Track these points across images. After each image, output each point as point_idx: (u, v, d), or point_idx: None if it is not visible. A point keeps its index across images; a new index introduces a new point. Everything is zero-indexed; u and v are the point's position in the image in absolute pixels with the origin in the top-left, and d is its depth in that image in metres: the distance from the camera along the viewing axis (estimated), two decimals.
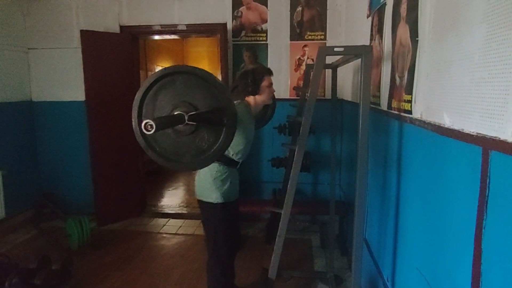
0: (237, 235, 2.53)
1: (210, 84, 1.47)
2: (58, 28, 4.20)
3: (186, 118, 1.40)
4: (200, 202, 2.29)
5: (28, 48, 4.25)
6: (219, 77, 4.00)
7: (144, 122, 1.22)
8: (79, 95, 4.09)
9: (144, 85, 1.50)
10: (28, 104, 4.29)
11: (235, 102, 2.14)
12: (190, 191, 5.53)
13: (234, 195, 2.31)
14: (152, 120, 1.23)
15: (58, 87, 4.28)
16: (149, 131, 1.22)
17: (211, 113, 1.45)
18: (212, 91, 1.46)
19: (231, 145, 1.65)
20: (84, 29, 3.95)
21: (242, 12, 4.02)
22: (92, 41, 3.88)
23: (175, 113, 1.42)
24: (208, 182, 2.20)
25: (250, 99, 2.26)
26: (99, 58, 3.92)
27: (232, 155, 2.15)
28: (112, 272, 3.09)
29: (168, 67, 1.50)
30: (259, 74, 2.21)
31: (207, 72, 1.50)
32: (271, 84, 2.28)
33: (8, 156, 3.93)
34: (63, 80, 4.26)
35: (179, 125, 1.46)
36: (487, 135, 0.93)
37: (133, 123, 1.55)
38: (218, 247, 2.28)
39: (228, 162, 2.16)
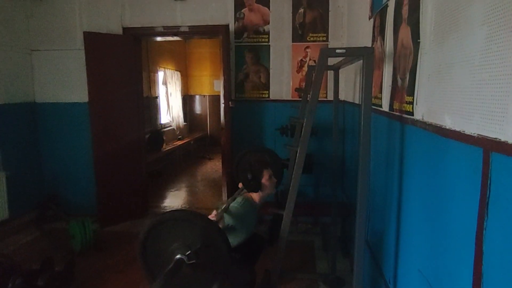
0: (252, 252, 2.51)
1: (205, 228, 1.57)
2: (61, 30, 4.22)
3: (185, 260, 1.48)
4: None
5: (32, 50, 4.28)
6: (222, 78, 4.01)
7: None
8: (82, 96, 4.11)
9: (139, 239, 1.59)
10: (32, 105, 4.31)
11: (239, 197, 2.27)
12: (192, 192, 5.54)
13: None
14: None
15: (61, 89, 4.30)
16: None
17: (209, 255, 1.55)
18: (208, 234, 1.56)
19: (232, 242, 1.77)
20: (87, 31, 3.97)
21: (244, 14, 4.03)
22: (95, 43, 3.90)
23: (176, 257, 1.49)
24: None
25: (254, 195, 2.35)
26: (102, 59, 3.94)
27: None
28: (115, 274, 3.09)
29: (154, 218, 1.60)
30: (257, 172, 2.30)
31: (187, 212, 1.63)
32: (270, 176, 2.35)
33: (11, 158, 3.95)
34: (66, 82, 4.28)
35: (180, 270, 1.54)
36: (488, 137, 0.93)
37: (140, 265, 1.64)
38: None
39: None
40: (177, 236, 1.53)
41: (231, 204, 2.18)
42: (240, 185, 2.40)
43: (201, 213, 1.71)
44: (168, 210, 1.79)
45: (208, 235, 1.54)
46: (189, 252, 1.48)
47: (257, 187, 2.30)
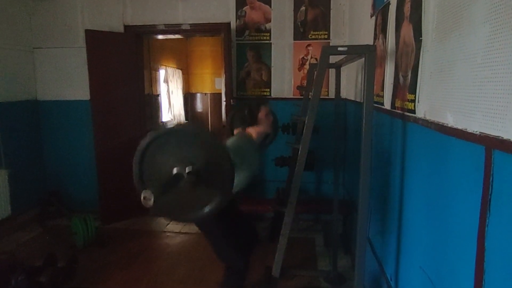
0: (248, 238, 2.47)
1: (207, 141, 1.49)
2: (63, 28, 4.23)
3: (185, 175, 1.39)
4: None
5: (34, 48, 4.29)
6: (223, 76, 4.01)
7: (142, 195, 1.21)
8: (84, 94, 4.12)
9: (142, 143, 1.50)
10: (34, 103, 4.32)
11: (237, 133, 2.19)
12: None
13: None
14: (149, 191, 1.22)
15: (63, 86, 4.31)
16: (148, 203, 1.22)
17: (210, 169, 1.45)
18: (209, 148, 1.48)
19: (236, 183, 1.63)
20: (89, 28, 3.98)
21: (246, 12, 4.02)
22: (96, 41, 3.90)
23: (174, 171, 1.41)
24: None
25: (251, 130, 2.26)
26: (103, 57, 3.95)
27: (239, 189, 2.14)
28: (117, 270, 3.11)
29: (158, 130, 1.51)
30: (254, 106, 2.26)
31: (197, 127, 1.52)
32: (268, 113, 2.31)
33: (13, 155, 3.97)
34: (68, 79, 4.29)
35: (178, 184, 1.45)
36: (490, 135, 0.93)
37: (134, 176, 1.54)
38: (227, 257, 2.27)
39: None
40: (179, 150, 1.45)
41: (228, 141, 2.08)
42: (235, 131, 2.32)
43: (209, 131, 1.61)
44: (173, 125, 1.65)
45: (213, 154, 1.46)
46: (190, 168, 1.39)
47: (253, 120, 2.25)
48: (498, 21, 0.91)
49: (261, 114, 2.26)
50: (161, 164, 1.45)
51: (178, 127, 1.57)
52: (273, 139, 2.93)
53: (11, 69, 3.99)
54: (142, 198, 1.21)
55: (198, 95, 9.02)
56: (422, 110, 1.47)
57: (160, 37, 4.95)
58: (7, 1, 3.93)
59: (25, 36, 4.19)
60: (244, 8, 4.02)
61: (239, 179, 1.99)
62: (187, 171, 1.39)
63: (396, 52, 1.87)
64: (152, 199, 1.21)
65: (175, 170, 1.40)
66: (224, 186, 1.48)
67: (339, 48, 1.81)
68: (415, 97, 1.55)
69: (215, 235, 2.21)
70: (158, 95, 6.96)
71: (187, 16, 4.10)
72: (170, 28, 4.17)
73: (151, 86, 6.56)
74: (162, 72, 7.18)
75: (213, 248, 2.30)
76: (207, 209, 1.48)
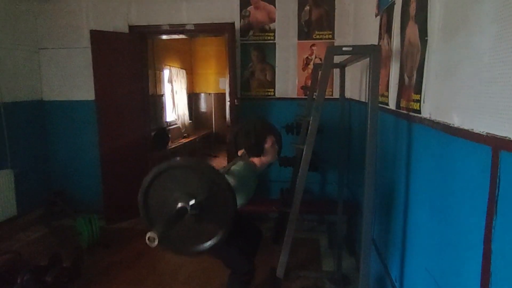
0: (253, 241, 2.50)
1: (212, 178, 1.50)
2: (68, 28, 4.25)
3: (188, 210, 1.42)
4: None
5: (39, 48, 4.31)
6: (227, 76, 4.01)
7: (146, 236, 1.23)
8: (89, 94, 4.13)
9: (145, 181, 1.54)
10: (39, 103, 4.35)
11: (241, 161, 2.21)
12: None
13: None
14: (154, 232, 1.24)
15: (68, 87, 4.33)
16: (153, 243, 1.24)
17: (213, 204, 1.48)
18: (213, 185, 1.50)
19: None
20: (94, 29, 4.00)
21: (250, 12, 4.02)
22: (101, 41, 3.92)
23: (178, 205, 1.43)
24: None
25: (256, 160, 2.30)
26: (108, 57, 3.97)
27: None
28: (121, 270, 3.12)
29: (160, 165, 1.53)
30: (261, 136, 2.26)
31: (209, 165, 1.55)
32: (274, 143, 2.32)
33: (19, 155, 4.00)
34: (73, 80, 4.31)
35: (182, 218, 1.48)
36: (497, 135, 0.92)
37: (141, 212, 1.57)
38: (233, 259, 2.26)
39: None
40: (181, 184, 1.48)
41: (232, 167, 2.14)
42: (240, 152, 2.35)
43: (209, 163, 1.62)
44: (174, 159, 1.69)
45: (215, 186, 1.48)
46: (193, 202, 1.42)
47: (259, 152, 2.26)
48: (505, 21, 0.90)
49: (267, 145, 2.28)
50: (164, 199, 1.49)
51: (179, 162, 1.61)
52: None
53: (17, 69, 4.02)
54: (146, 239, 1.25)
55: (202, 95, 9.04)
56: (428, 110, 1.46)
57: (164, 37, 4.97)
58: (12, 2, 3.96)
59: (30, 37, 4.21)
60: (248, 8, 4.02)
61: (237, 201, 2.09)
62: (190, 204, 1.42)
63: (401, 52, 1.86)
64: (156, 241, 1.24)
65: (179, 204, 1.42)
66: (226, 220, 1.50)
67: (344, 48, 1.80)
68: (420, 97, 1.54)
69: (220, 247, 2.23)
70: (162, 95, 6.98)
71: (191, 16, 4.10)
72: (175, 28, 4.18)
73: (156, 86, 6.58)
74: (166, 72, 7.19)
75: (219, 256, 2.31)
76: (209, 243, 1.51)
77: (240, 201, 2.08)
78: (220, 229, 1.49)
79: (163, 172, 1.50)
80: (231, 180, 2.04)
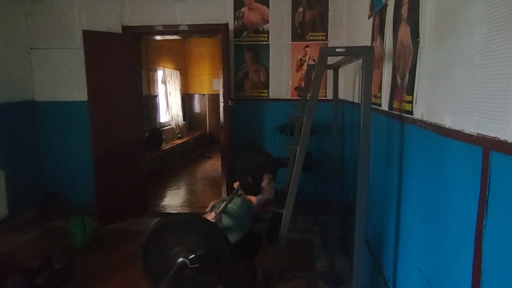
0: (250, 250, 2.52)
1: (207, 233, 1.56)
2: (61, 28, 4.22)
3: (188, 263, 1.47)
4: None
5: (31, 48, 4.27)
6: (221, 77, 4.01)
7: None
8: (82, 95, 4.11)
9: (141, 243, 1.58)
10: (31, 104, 4.30)
11: (237, 199, 2.27)
12: (191, 191, 5.55)
13: None
14: None
15: (61, 87, 4.30)
16: None
17: (211, 258, 1.54)
18: (210, 239, 1.55)
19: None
20: (87, 29, 3.97)
21: (243, 13, 4.03)
22: (94, 42, 3.89)
23: (178, 261, 1.49)
24: None
25: (253, 198, 2.36)
26: (101, 58, 3.94)
27: None
28: (114, 272, 3.10)
29: (156, 223, 1.59)
30: (258, 175, 2.32)
31: (206, 221, 1.63)
32: (270, 180, 2.39)
33: (10, 156, 3.95)
34: (65, 80, 4.27)
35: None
36: (487, 136, 0.93)
37: (141, 266, 1.61)
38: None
39: None
40: (179, 239, 1.54)
41: (229, 206, 2.19)
42: (235, 185, 2.41)
43: (204, 218, 1.72)
44: (171, 214, 1.75)
45: (211, 239, 1.55)
46: (192, 256, 1.49)
47: (257, 191, 2.33)
48: (495, 23, 0.91)
49: (264, 183, 2.35)
50: (164, 255, 1.54)
51: (174, 219, 1.66)
52: None
53: (8, 70, 3.98)
54: None
55: (196, 96, 9.03)
56: (420, 111, 1.48)
57: (158, 38, 4.96)
58: (3, 1, 3.91)
59: (22, 37, 4.17)
60: (242, 9, 4.03)
61: (231, 239, 2.11)
62: (189, 258, 1.47)
63: (394, 53, 1.88)
64: None
65: (179, 259, 1.48)
66: (224, 271, 1.56)
67: (337, 49, 1.81)
68: (412, 98, 1.55)
69: None
70: (156, 96, 6.96)
71: (185, 17, 4.09)
72: (168, 29, 4.17)
73: (149, 87, 6.57)
74: (160, 73, 7.18)
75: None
76: None
77: (235, 238, 2.14)
78: (220, 280, 1.57)
79: (161, 228, 1.56)
80: (228, 220, 2.09)
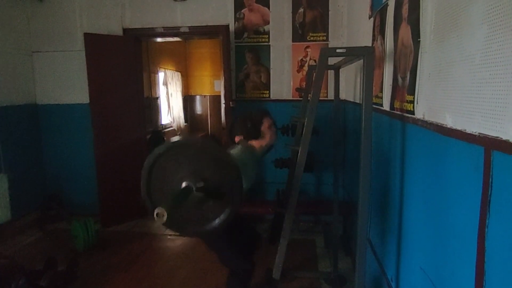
0: (249, 243, 2.49)
1: (217, 156, 1.46)
2: (62, 31, 4.24)
3: (194, 189, 1.39)
4: None
5: (32, 51, 4.29)
6: (222, 79, 4.02)
7: (155, 212, 1.20)
8: (83, 97, 4.12)
9: (149, 158, 1.47)
10: (33, 107, 4.32)
11: (240, 145, 2.18)
12: None
13: None
14: (163, 208, 1.21)
15: (63, 90, 4.31)
16: (162, 219, 1.20)
17: (218, 184, 1.44)
18: (219, 163, 1.46)
19: None
20: (88, 32, 3.99)
21: (244, 14, 4.03)
22: (95, 44, 3.91)
23: (183, 185, 1.40)
24: None
25: (255, 142, 2.27)
26: (102, 60, 3.96)
27: None
28: (118, 273, 3.11)
29: (173, 141, 1.49)
30: (257, 119, 2.25)
31: (214, 145, 1.50)
32: (271, 124, 2.30)
33: (13, 159, 3.97)
34: (67, 83, 4.29)
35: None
36: (489, 135, 0.93)
37: (142, 191, 1.54)
38: (233, 262, 2.27)
39: None
40: (185, 164, 1.43)
41: (231, 151, 2.09)
42: (237, 139, 2.30)
43: (220, 146, 1.56)
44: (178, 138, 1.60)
45: (219, 164, 1.44)
46: (199, 181, 1.38)
47: (257, 134, 2.24)
48: (496, 22, 0.91)
49: (264, 127, 2.26)
50: (169, 178, 1.44)
51: (186, 141, 1.55)
52: (270, 148, 2.93)
53: (10, 73, 3.99)
54: (155, 215, 1.21)
55: (198, 97, 9.03)
56: (421, 111, 1.48)
57: (159, 40, 4.96)
58: (5, 4, 3.93)
59: (23, 40, 4.19)
60: (242, 11, 4.03)
61: None
62: (196, 185, 1.38)
63: (395, 53, 1.88)
64: (166, 216, 1.20)
65: (183, 184, 1.39)
66: (234, 198, 1.46)
67: (338, 50, 1.81)
68: (414, 98, 1.55)
69: (219, 244, 2.21)
70: (157, 98, 6.97)
71: (185, 19, 4.10)
72: (169, 31, 4.18)
73: (150, 89, 6.57)
74: (161, 75, 7.18)
75: (218, 255, 2.30)
76: (217, 222, 1.47)
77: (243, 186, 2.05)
78: (227, 208, 1.45)
79: (165, 153, 1.45)
80: None
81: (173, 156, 1.45)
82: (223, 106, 4.11)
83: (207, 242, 2.27)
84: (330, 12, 3.93)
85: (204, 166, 1.43)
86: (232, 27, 4.05)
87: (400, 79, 1.78)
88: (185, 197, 1.37)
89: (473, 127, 1.02)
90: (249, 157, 2.13)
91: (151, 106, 6.60)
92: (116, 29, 4.16)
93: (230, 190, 1.46)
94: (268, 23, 4.03)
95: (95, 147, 4.02)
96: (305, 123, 1.90)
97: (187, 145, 1.50)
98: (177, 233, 1.54)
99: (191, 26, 4.11)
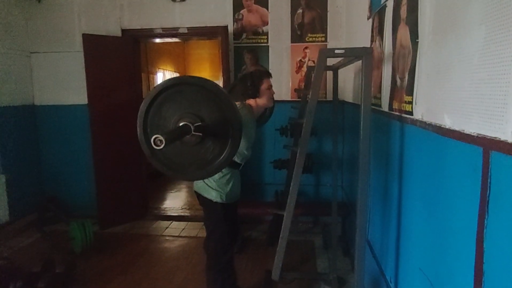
0: (235, 234, 2.58)
1: (215, 95, 1.45)
2: (60, 32, 4.23)
3: (192, 129, 1.38)
4: (198, 195, 2.34)
5: (31, 52, 4.28)
6: (221, 79, 4.02)
7: (153, 137, 1.20)
8: (82, 98, 4.11)
9: (149, 94, 1.47)
10: (31, 108, 4.31)
11: (237, 104, 2.15)
12: (192, 193, 5.53)
13: (235, 196, 2.34)
14: (162, 135, 1.20)
15: (61, 91, 4.30)
16: (159, 146, 1.20)
17: (217, 124, 1.44)
18: (217, 102, 1.44)
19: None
20: (86, 33, 3.98)
21: (243, 15, 4.03)
22: (94, 45, 3.90)
23: (181, 124, 1.39)
24: (210, 183, 2.22)
25: (251, 101, 2.28)
26: (101, 61, 3.95)
27: (235, 157, 2.16)
28: (116, 275, 3.10)
29: (173, 78, 1.49)
30: (257, 77, 2.24)
31: (213, 83, 1.49)
32: (270, 86, 2.30)
33: (11, 160, 3.96)
34: (65, 84, 4.28)
35: (186, 136, 1.44)
36: (487, 136, 0.93)
37: (138, 131, 1.53)
38: (216, 242, 2.33)
39: (230, 164, 2.18)
40: (184, 104, 1.42)
41: None
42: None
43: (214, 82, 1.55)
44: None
45: (218, 105, 1.42)
46: (200, 124, 1.37)
47: (255, 93, 2.23)
48: (493, 23, 0.91)
49: (263, 87, 2.25)
50: (167, 119, 1.43)
51: (184, 78, 1.53)
52: (270, 116, 2.93)
53: (8, 73, 3.98)
54: (152, 141, 1.20)
55: None
56: (420, 112, 1.48)
57: (157, 40, 4.96)
58: (3, 5, 3.92)
59: (21, 41, 4.18)
60: (241, 11, 4.03)
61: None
62: (195, 124, 1.37)
63: (393, 54, 1.88)
64: (164, 143, 1.19)
65: (181, 123, 1.38)
66: (233, 137, 1.45)
67: (336, 51, 1.81)
68: (412, 99, 1.55)
69: (213, 220, 2.32)
70: None
71: (184, 20, 4.10)
72: (168, 32, 4.18)
73: (149, 90, 6.57)
74: (160, 76, 7.18)
75: (207, 234, 2.43)
76: (217, 162, 1.47)
77: (243, 145, 2.03)
78: (226, 146, 1.45)
79: (175, 86, 1.43)
80: None
81: (171, 95, 1.43)
82: None
83: (206, 210, 2.37)
84: (328, 13, 3.93)
85: (203, 105, 1.42)
86: (231, 28, 4.04)
87: (398, 80, 1.78)
88: (183, 134, 1.36)
89: (471, 128, 1.02)
90: (246, 114, 2.14)
91: None
92: (114, 30, 4.16)
93: (230, 128, 1.45)
94: (267, 24, 4.03)
95: (93, 148, 4.01)
96: (304, 124, 1.90)
97: (186, 83, 1.48)
98: (177, 178, 1.54)
99: (190, 27, 4.11)
